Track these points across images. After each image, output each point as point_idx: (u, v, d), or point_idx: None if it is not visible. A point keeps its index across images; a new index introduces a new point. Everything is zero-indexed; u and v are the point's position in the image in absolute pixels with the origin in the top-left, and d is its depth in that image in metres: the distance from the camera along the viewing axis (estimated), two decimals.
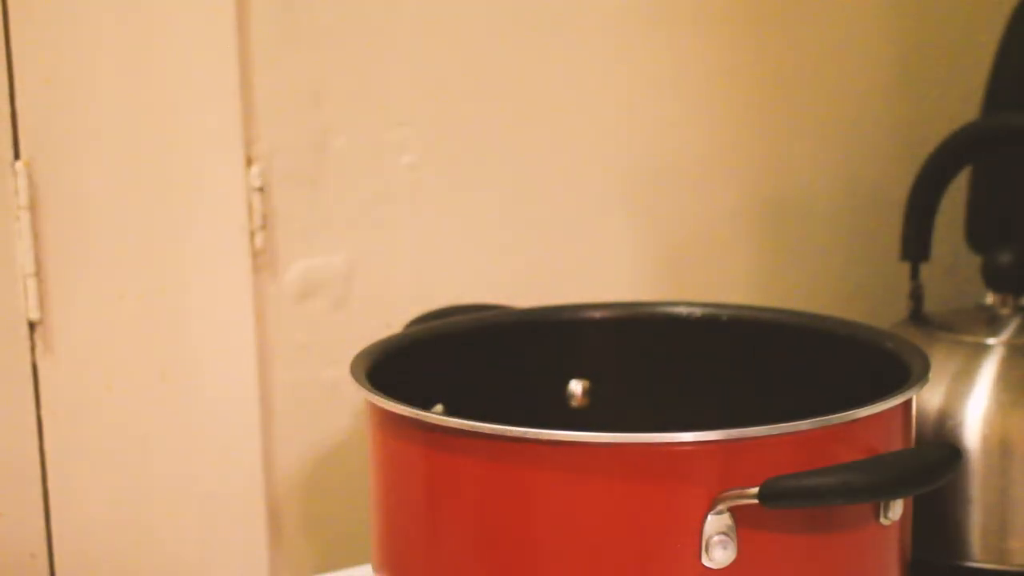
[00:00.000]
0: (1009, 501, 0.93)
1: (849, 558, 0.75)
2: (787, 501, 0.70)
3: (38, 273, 0.89)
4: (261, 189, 0.97)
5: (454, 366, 0.91)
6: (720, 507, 0.70)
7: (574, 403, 0.95)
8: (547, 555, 0.72)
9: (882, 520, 0.75)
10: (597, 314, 0.95)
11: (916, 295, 1.03)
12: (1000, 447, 0.93)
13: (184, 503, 0.96)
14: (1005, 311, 1.01)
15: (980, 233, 1.08)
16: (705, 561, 0.70)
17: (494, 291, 1.04)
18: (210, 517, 0.97)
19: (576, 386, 0.95)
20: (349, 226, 1.00)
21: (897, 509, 0.76)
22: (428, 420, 0.75)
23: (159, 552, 0.96)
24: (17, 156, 0.88)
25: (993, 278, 1.01)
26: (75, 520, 0.93)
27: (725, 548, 0.70)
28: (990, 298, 1.02)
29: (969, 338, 0.98)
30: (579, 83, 1.09)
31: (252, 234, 0.97)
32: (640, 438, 0.71)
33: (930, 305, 1.04)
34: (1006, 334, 0.98)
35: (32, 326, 0.90)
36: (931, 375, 0.80)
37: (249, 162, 0.96)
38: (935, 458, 0.74)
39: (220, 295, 0.96)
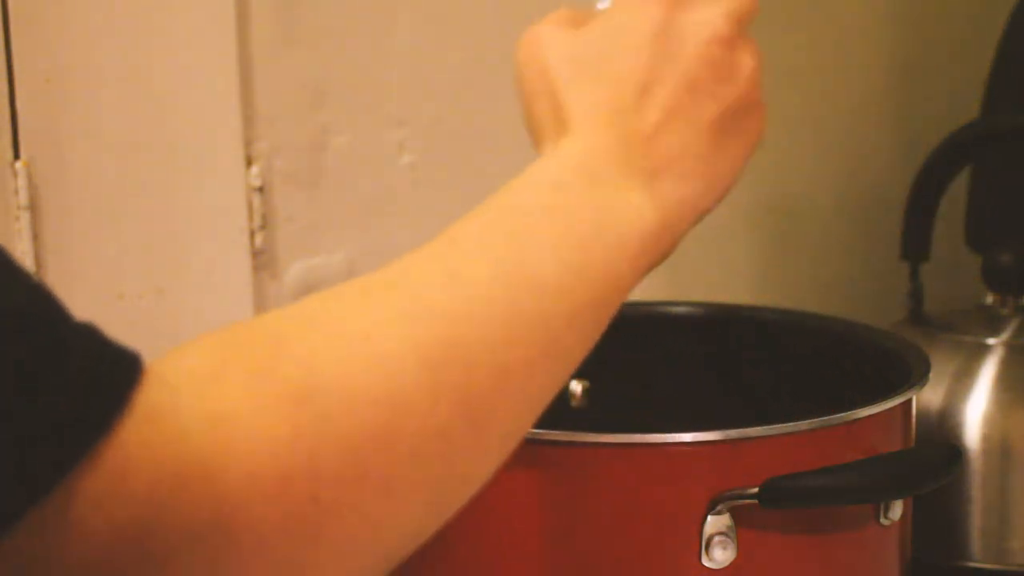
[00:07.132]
0: (1009, 501, 0.93)
1: (849, 558, 0.75)
2: (787, 501, 0.70)
3: (38, 273, 0.89)
4: (261, 189, 0.97)
5: None
6: (720, 507, 0.70)
7: (574, 403, 0.95)
8: (547, 554, 0.72)
9: (882, 520, 0.75)
10: None
11: (916, 295, 1.03)
12: (1000, 447, 0.93)
13: None
14: (1005, 311, 1.01)
15: (980, 233, 1.08)
16: (705, 561, 0.70)
17: None
18: None
19: (576, 386, 0.95)
20: (349, 226, 1.00)
21: (897, 509, 0.75)
22: None
23: None
24: (17, 156, 0.88)
25: (993, 278, 1.01)
26: None
27: (725, 548, 0.70)
28: (990, 298, 1.02)
29: (969, 338, 0.98)
30: None
31: (252, 234, 0.97)
32: (640, 438, 0.71)
33: (930, 305, 1.04)
34: (1006, 334, 0.98)
35: None
36: (931, 375, 0.80)
37: (249, 162, 0.96)
38: (935, 458, 0.74)
39: (220, 295, 0.96)
